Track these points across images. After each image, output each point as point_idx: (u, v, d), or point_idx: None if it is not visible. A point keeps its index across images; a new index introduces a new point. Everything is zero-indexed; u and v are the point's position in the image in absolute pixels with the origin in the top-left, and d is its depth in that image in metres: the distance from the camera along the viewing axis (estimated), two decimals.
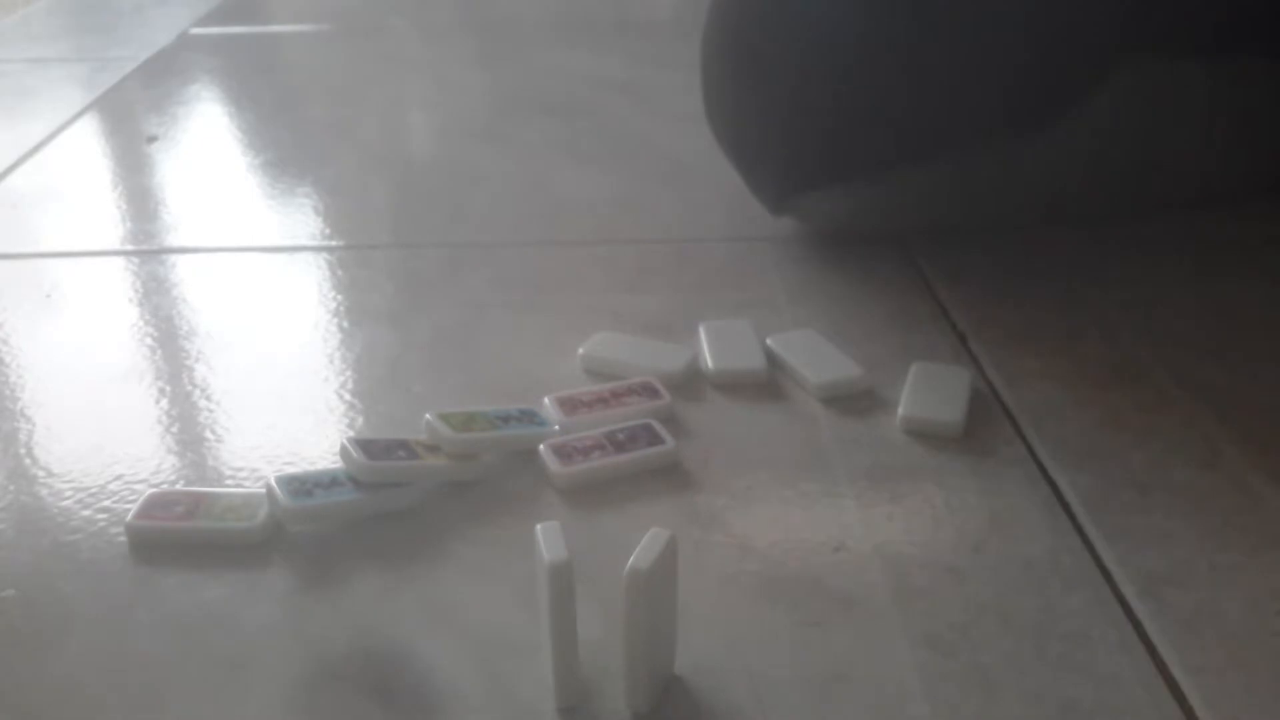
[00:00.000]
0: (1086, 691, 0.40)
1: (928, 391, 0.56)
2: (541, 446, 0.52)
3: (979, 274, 0.70)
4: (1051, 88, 0.63)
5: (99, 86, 1.12)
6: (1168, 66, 0.65)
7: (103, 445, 0.54)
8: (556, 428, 0.53)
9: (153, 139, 0.97)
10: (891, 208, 0.69)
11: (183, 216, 0.81)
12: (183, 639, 0.42)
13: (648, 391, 0.56)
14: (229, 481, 0.51)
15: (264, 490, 0.49)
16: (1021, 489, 0.50)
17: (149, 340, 0.64)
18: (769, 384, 0.59)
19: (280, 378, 0.60)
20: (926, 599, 0.44)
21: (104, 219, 0.81)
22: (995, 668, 0.41)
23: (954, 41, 0.62)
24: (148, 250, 0.76)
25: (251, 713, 0.39)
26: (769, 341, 0.61)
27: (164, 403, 0.58)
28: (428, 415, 0.51)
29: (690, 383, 0.59)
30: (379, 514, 0.49)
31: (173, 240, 0.77)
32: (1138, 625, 0.43)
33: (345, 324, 0.65)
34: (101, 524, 0.49)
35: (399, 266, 0.73)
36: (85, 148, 0.96)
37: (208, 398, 0.58)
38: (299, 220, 0.80)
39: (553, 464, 0.51)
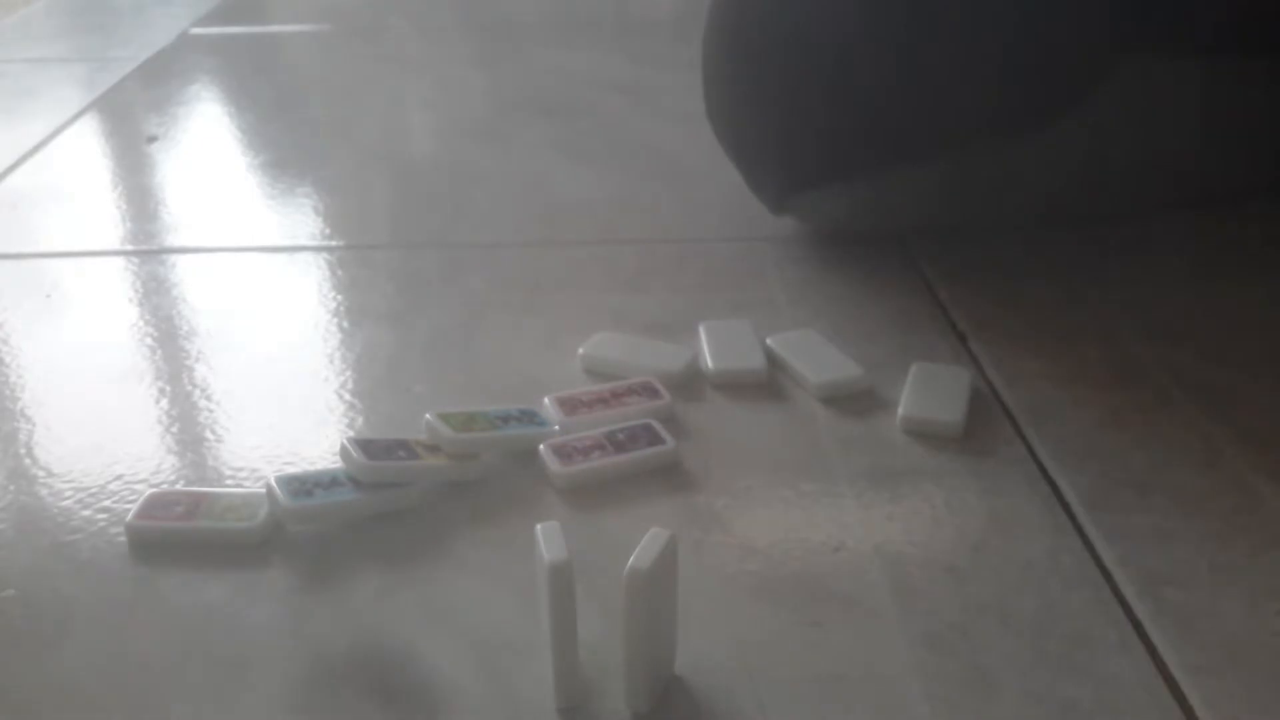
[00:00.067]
0: (1086, 691, 0.40)
1: (928, 391, 0.56)
2: (541, 446, 0.52)
3: (979, 274, 0.70)
4: (1050, 88, 0.63)
5: (99, 86, 1.12)
6: (1167, 66, 0.65)
7: (103, 445, 0.54)
8: (556, 428, 0.53)
9: (153, 139, 0.97)
10: (891, 207, 0.69)
11: (183, 216, 0.81)
12: (183, 639, 0.42)
13: (648, 391, 0.56)
14: (229, 481, 0.51)
15: (264, 490, 0.49)
16: (1021, 489, 0.50)
17: (149, 340, 0.64)
18: (769, 384, 0.59)
19: (280, 378, 0.60)
20: (926, 599, 0.44)
21: (104, 219, 0.81)
22: (995, 668, 0.41)
23: (952, 41, 0.62)
24: (148, 250, 0.76)
25: (251, 713, 0.39)
26: (769, 341, 0.61)
27: (164, 403, 0.58)
28: (428, 415, 0.51)
29: (690, 383, 0.59)
30: (379, 514, 0.49)
31: (173, 240, 0.77)
32: (1138, 625, 0.43)
33: (345, 324, 0.65)
34: (101, 524, 0.49)
35: (399, 266, 0.73)
36: (85, 148, 0.96)
37: (208, 398, 0.58)
38: (299, 220, 0.80)
39: (553, 464, 0.51)
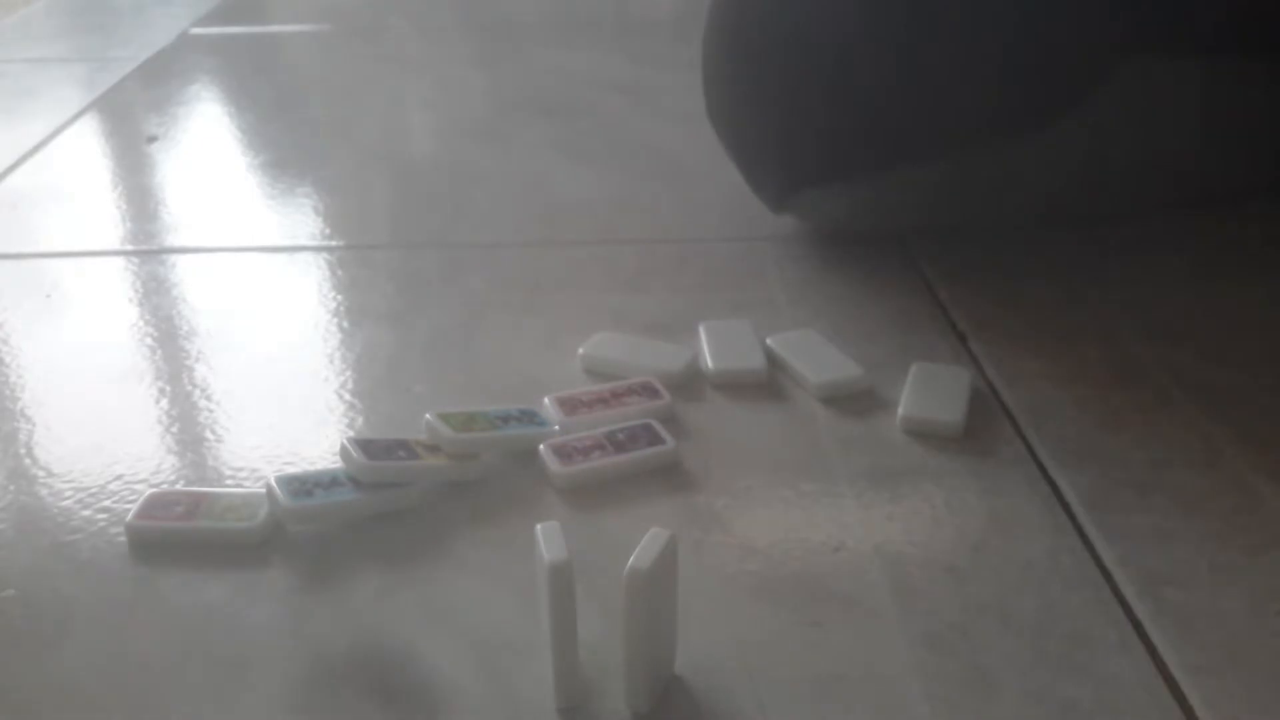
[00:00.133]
0: (1086, 691, 0.40)
1: (928, 391, 0.56)
2: (541, 446, 0.52)
3: (979, 274, 0.70)
4: (1050, 88, 0.63)
5: (99, 86, 1.12)
6: (1167, 66, 0.65)
7: (103, 445, 0.54)
8: (556, 428, 0.53)
9: (153, 139, 0.97)
10: (891, 207, 0.69)
11: (183, 216, 0.81)
12: (183, 639, 0.42)
13: (648, 391, 0.56)
14: (229, 481, 0.51)
15: (264, 490, 0.49)
16: (1021, 489, 0.50)
17: (149, 340, 0.64)
18: (769, 384, 0.59)
19: (280, 378, 0.60)
20: (926, 599, 0.44)
21: (104, 219, 0.81)
22: (995, 668, 0.41)
23: (952, 41, 0.62)
24: (148, 250, 0.76)
25: (251, 713, 0.39)
26: (769, 341, 0.61)
27: (164, 403, 0.58)
28: (428, 415, 0.51)
29: (690, 383, 0.59)
30: (379, 514, 0.49)
31: (173, 240, 0.77)
32: (1138, 625, 0.43)
33: (345, 324, 0.65)
34: (101, 524, 0.49)
35: (399, 266, 0.73)
36: (85, 148, 0.96)
37: (208, 398, 0.58)
38: (299, 220, 0.80)
39: (553, 464, 0.51)
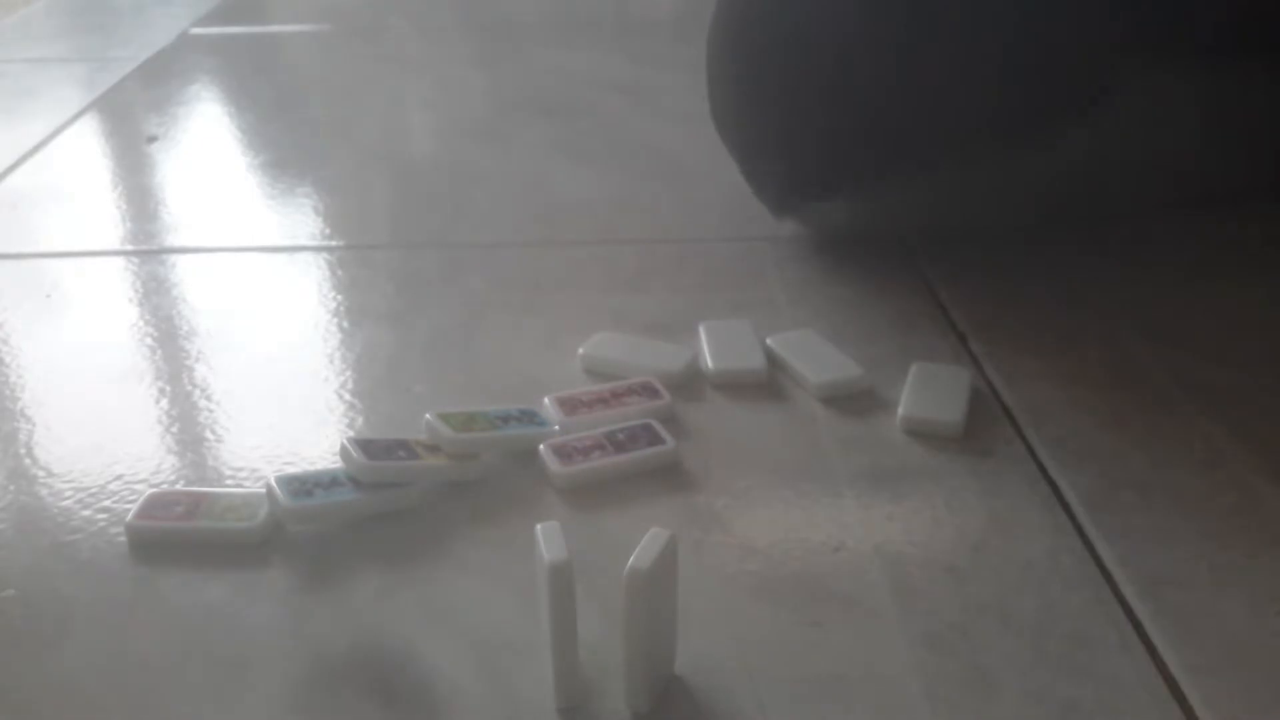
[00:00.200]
0: (1086, 691, 0.40)
1: (927, 391, 0.56)
2: (541, 446, 0.52)
3: (979, 274, 0.70)
4: (1052, 91, 0.63)
5: (99, 86, 1.12)
6: (1168, 68, 0.65)
7: (103, 445, 0.54)
8: (556, 428, 0.53)
9: (153, 139, 0.97)
10: (893, 212, 0.69)
11: (183, 216, 0.81)
12: (183, 639, 0.42)
13: (648, 391, 0.56)
14: (229, 481, 0.51)
15: (264, 490, 0.49)
16: (1021, 489, 0.50)
17: (149, 340, 0.64)
18: (769, 384, 0.59)
19: (280, 378, 0.60)
20: (926, 599, 0.44)
21: (104, 219, 0.81)
22: (995, 668, 0.41)
23: (953, 44, 0.62)
24: (148, 250, 0.76)
25: (251, 713, 0.39)
26: (769, 341, 0.61)
27: (164, 403, 0.58)
28: (428, 415, 0.51)
29: (690, 383, 0.59)
30: (379, 514, 0.49)
31: (173, 240, 0.77)
32: (1138, 625, 0.43)
33: (345, 324, 0.65)
34: (101, 524, 0.49)
35: (399, 266, 0.73)
36: (85, 148, 0.96)
37: (208, 398, 0.58)
38: (299, 220, 0.80)
39: (553, 464, 0.51)
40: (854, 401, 0.57)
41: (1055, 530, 0.48)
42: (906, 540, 0.47)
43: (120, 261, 0.74)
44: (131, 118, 1.04)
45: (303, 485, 0.48)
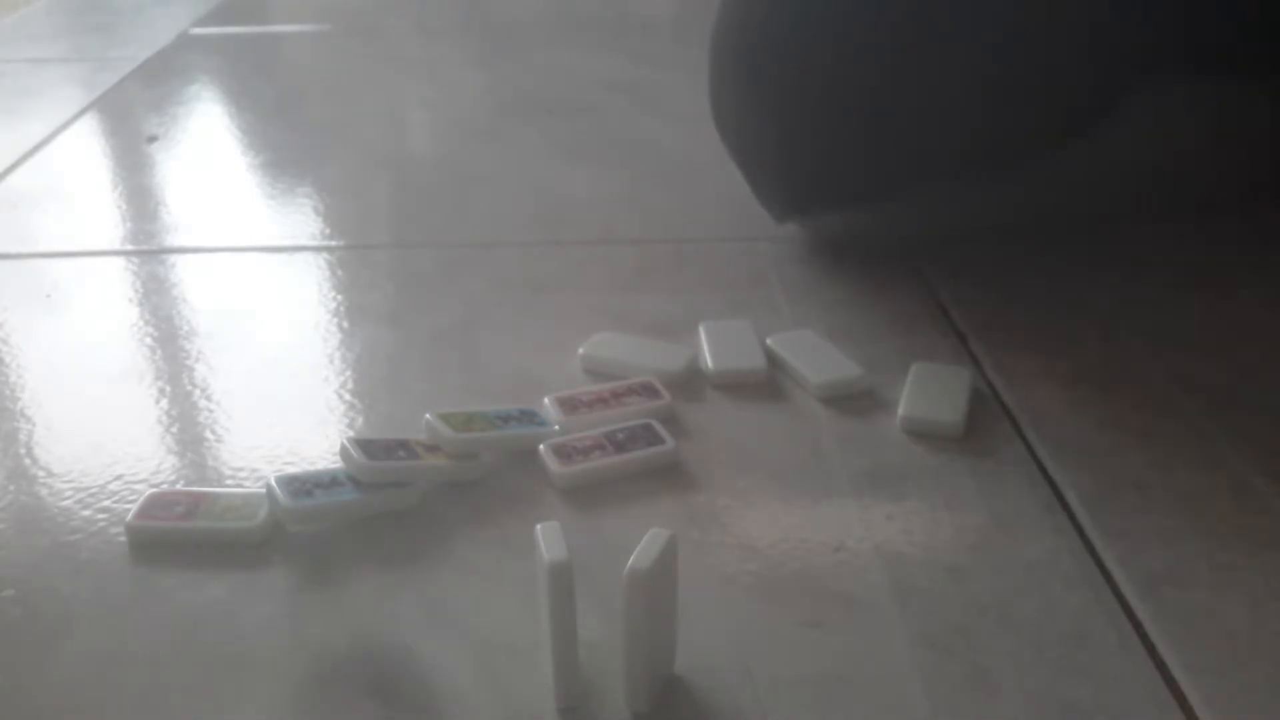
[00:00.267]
0: (1086, 691, 0.40)
1: (928, 392, 0.56)
2: (541, 446, 0.52)
3: (979, 274, 0.70)
4: (1057, 111, 0.63)
5: (99, 86, 1.12)
6: (1174, 87, 0.65)
7: (103, 445, 0.54)
8: (556, 428, 0.53)
9: (153, 139, 0.97)
10: (894, 221, 0.69)
11: (183, 216, 0.81)
12: (183, 639, 0.42)
13: (648, 391, 0.56)
14: (229, 481, 0.51)
15: (264, 490, 0.49)
16: (1021, 489, 0.50)
17: (149, 340, 0.64)
18: (769, 384, 0.59)
19: (280, 378, 0.60)
20: (926, 599, 0.44)
21: (104, 219, 0.81)
22: (995, 668, 0.41)
23: (958, 62, 0.62)
24: (148, 250, 0.76)
25: (251, 713, 0.39)
26: (769, 341, 0.61)
27: (164, 403, 0.58)
28: (428, 415, 0.51)
29: (690, 383, 0.59)
30: (379, 514, 0.49)
31: (173, 240, 0.77)
32: (1138, 625, 0.43)
33: (345, 324, 0.65)
34: (101, 524, 0.49)
35: (399, 266, 0.73)
36: (85, 148, 0.96)
37: (208, 398, 0.58)
38: (299, 220, 0.80)
39: (553, 464, 0.51)
40: (854, 401, 0.57)
41: (1055, 530, 0.48)
42: (906, 540, 0.47)
43: (120, 261, 0.74)
44: (131, 118, 1.04)
45: (303, 485, 0.48)
